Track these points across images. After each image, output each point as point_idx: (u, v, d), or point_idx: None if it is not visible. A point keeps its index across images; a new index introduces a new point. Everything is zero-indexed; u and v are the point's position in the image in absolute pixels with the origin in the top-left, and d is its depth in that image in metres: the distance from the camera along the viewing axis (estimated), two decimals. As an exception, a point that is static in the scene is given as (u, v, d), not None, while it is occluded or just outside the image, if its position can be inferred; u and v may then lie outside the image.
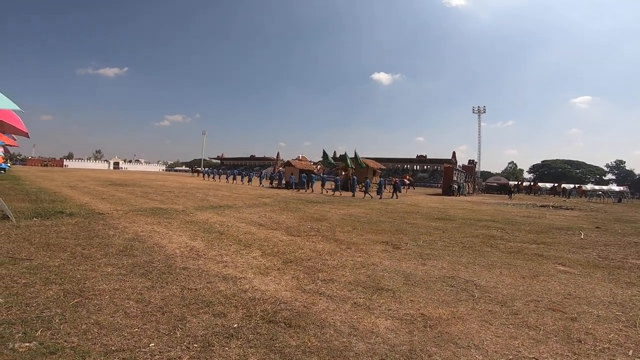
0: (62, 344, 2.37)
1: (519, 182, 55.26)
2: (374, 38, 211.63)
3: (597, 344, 2.78)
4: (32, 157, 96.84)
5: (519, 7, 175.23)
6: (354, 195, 21.54)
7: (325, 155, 29.94)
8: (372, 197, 21.04)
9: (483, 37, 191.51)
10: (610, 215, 16.28)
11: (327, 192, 23.17)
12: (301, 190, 24.22)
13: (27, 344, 2.33)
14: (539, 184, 55.71)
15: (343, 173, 26.76)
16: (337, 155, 30.69)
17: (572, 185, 51.88)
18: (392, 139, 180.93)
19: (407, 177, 32.77)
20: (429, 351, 2.55)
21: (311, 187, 25.16)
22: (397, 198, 20.81)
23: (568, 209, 19.54)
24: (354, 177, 23.47)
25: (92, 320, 2.74)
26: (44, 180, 21.26)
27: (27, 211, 8.05)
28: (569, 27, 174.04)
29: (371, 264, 5.04)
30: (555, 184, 52.56)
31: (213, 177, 40.82)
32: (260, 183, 33.32)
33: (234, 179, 36.70)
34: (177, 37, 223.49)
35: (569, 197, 39.77)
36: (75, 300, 3.10)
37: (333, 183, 24.82)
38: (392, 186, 22.78)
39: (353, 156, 27.69)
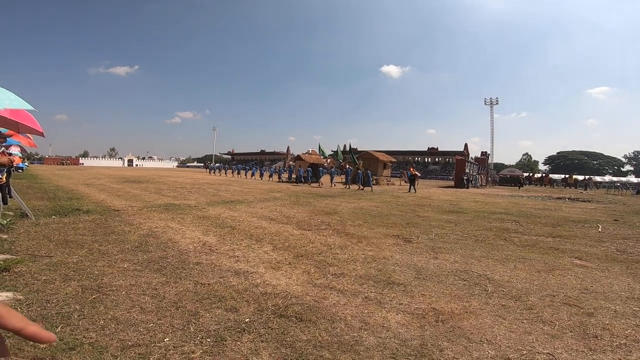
0: (81, 339, 2.44)
1: (531, 174, 54.30)
2: (382, 31, 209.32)
3: (614, 339, 2.72)
4: (49, 156, 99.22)
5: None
6: (362, 189, 21.51)
7: (320, 149, 30.38)
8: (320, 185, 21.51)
9: (494, 28, 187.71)
10: (628, 208, 15.85)
11: (321, 185, 23.78)
12: (313, 184, 24.30)
13: (47, 340, 2.39)
14: (551, 175, 54.82)
15: (347, 166, 26.81)
16: (348, 149, 30.77)
17: (582, 177, 50.63)
18: (403, 132, 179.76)
19: (411, 169, 33.00)
20: (441, 346, 2.54)
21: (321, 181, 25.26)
22: (414, 192, 20.32)
23: (585, 201, 19.10)
24: (368, 171, 23.44)
25: (110, 316, 2.81)
26: (61, 179, 21.77)
27: (45, 209, 8.26)
28: (585, 17, 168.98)
29: (382, 258, 5.03)
30: (567, 176, 51.70)
31: (215, 172, 42.93)
32: (261, 177, 33.92)
33: (238, 173, 37.94)
34: (187, 34, 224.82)
35: (585, 189, 38.91)
36: (93, 296, 3.18)
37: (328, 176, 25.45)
38: (408, 178, 22.30)
39: (343, 149, 28.13)
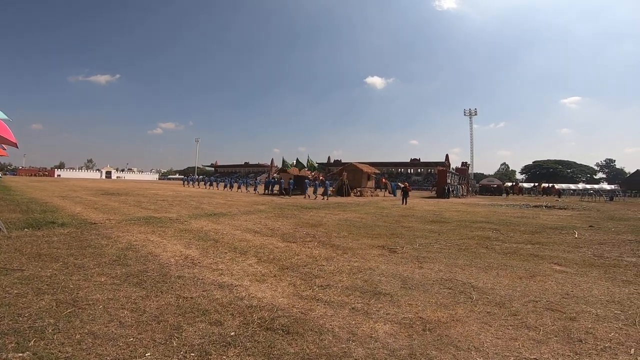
0: (56, 354, 2.32)
1: (502, 183, 56.55)
2: (367, 42, 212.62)
3: (598, 343, 2.77)
4: (22, 167, 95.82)
5: (509, 10, 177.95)
6: (326, 199, 22.00)
7: (284, 162, 31.09)
8: (315, 197, 22.87)
9: (474, 40, 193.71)
10: (602, 214, 16.43)
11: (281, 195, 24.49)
12: (298, 197, 24.24)
13: (20, 354, 2.28)
14: (521, 184, 57.99)
15: (320, 178, 27.35)
16: (332, 161, 31.41)
17: (547, 185, 53.14)
18: (386, 143, 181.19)
19: (383, 179, 34.34)
20: (429, 355, 2.53)
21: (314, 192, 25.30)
22: (405, 203, 20.32)
23: (561, 209, 19.70)
24: (327, 182, 24.42)
25: (86, 330, 2.68)
26: (35, 191, 20.99)
27: (18, 222, 7.93)
28: (559, 29, 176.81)
29: (368, 269, 5.01)
30: (536, 184, 54.53)
31: (189, 184, 43.87)
32: (230, 188, 34.81)
33: (210, 185, 39.70)
34: (170, 43, 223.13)
35: (559, 197, 40.41)
36: (69, 310, 3.04)
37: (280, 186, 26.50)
38: (401, 190, 22.41)
39: (307, 160, 28.95)
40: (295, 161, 29.77)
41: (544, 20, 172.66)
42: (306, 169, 28.40)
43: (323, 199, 22.45)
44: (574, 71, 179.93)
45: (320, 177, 27.34)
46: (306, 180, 25.14)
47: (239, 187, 35.23)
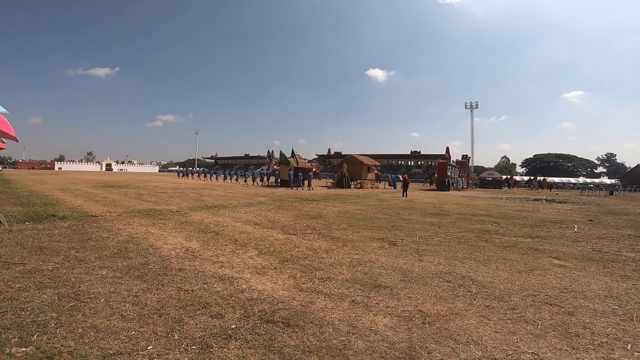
0: (58, 348, 2.34)
1: (501, 176, 57.03)
2: (368, 35, 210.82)
3: (595, 338, 2.79)
4: (22, 160, 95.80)
5: (511, 3, 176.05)
6: (299, 190, 21.68)
7: (272, 154, 31.40)
8: (302, 188, 23.95)
9: (476, 34, 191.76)
10: (602, 208, 16.44)
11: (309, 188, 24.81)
12: (299, 189, 24.24)
13: (23, 349, 2.30)
14: (515, 177, 58.96)
15: (313, 169, 27.70)
16: (332, 153, 31.41)
17: (540, 178, 53.47)
18: (387, 135, 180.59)
19: (376, 171, 34.75)
20: (429, 348, 2.55)
21: (308, 185, 25.28)
22: (405, 196, 20.36)
23: (561, 203, 19.72)
24: (311, 172, 25.18)
25: (89, 324, 2.70)
26: (36, 184, 21.02)
27: (19, 215, 7.95)
28: (562, 23, 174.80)
29: (368, 261, 5.04)
30: (532, 177, 55.24)
31: (186, 176, 44.78)
32: (224, 180, 35.74)
33: (205, 176, 41.54)
34: (169, 36, 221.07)
35: (551, 190, 40.88)
36: (71, 304, 3.06)
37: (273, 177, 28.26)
38: (401, 183, 22.57)
39: (290, 154, 29.04)
40: (279, 154, 29.80)
41: (547, 14, 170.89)
42: (295, 161, 28.43)
43: (309, 189, 23.40)
44: (577, 65, 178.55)
45: (314, 169, 27.78)
46: (290, 172, 25.75)
47: (231, 178, 35.79)
